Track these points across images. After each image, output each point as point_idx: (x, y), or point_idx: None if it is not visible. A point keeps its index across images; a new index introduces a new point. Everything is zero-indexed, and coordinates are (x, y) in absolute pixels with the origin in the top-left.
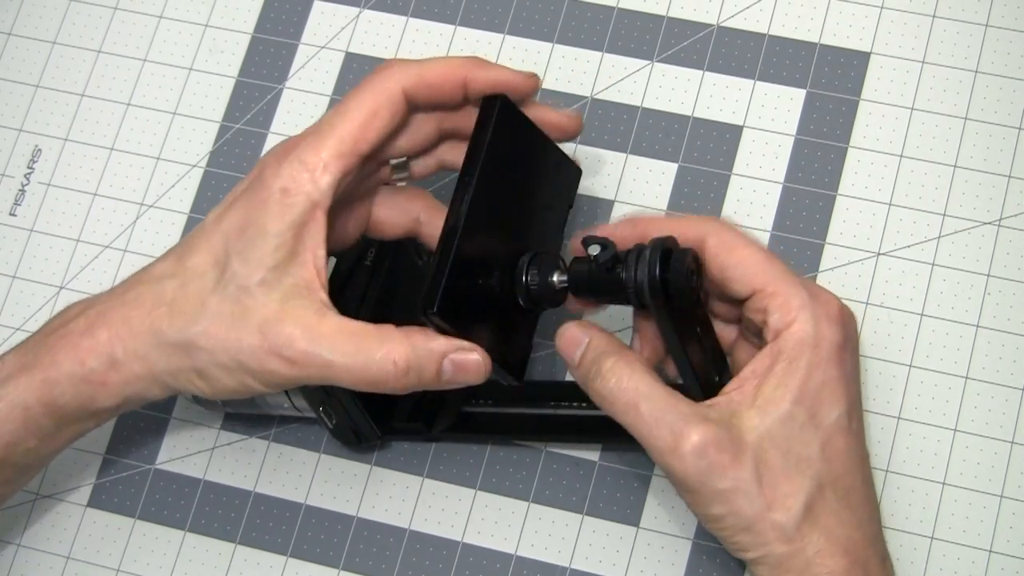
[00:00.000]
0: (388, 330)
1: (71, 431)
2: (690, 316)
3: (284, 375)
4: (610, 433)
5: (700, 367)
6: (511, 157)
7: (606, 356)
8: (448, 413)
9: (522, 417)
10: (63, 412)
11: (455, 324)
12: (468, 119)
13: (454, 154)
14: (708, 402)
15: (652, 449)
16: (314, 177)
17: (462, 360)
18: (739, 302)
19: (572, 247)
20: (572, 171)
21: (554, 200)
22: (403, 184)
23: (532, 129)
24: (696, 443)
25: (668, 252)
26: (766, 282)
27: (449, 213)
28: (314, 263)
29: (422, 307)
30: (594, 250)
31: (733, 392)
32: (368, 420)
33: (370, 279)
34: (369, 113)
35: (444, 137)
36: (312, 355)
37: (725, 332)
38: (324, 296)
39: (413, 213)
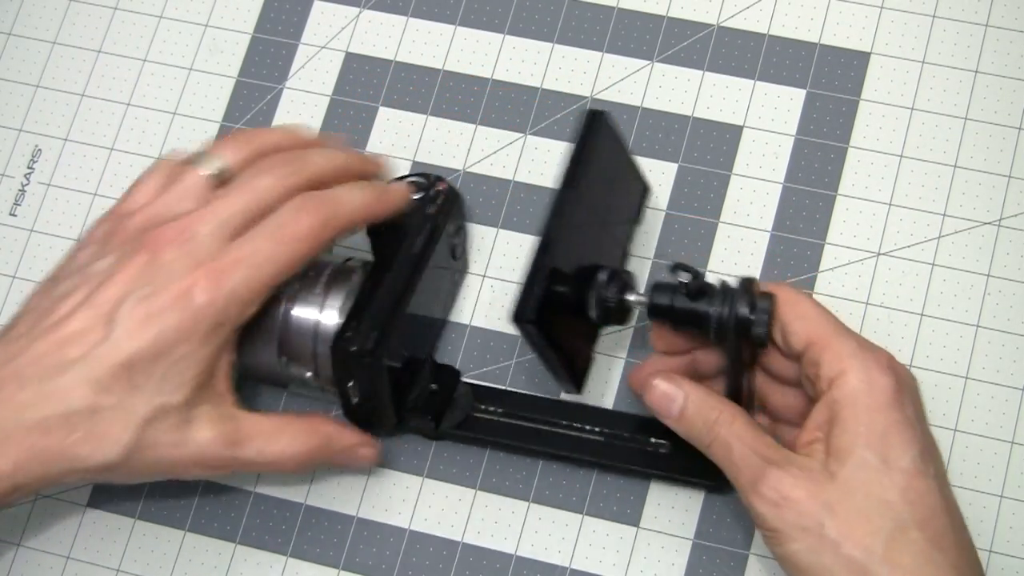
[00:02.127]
0: (297, 423)
1: None
2: (749, 354)
3: (205, 476)
4: (608, 457)
5: (746, 403)
6: (601, 172)
7: (710, 409)
8: (456, 413)
9: (526, 429)
10: None
11: (544, 333)
12: None
13: None
14: (788, 452)
15: (737, 487)
16: (243, 312)
17: (363, 453)
18: (796, 357)
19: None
20: (642, 187)
21: (624, 214)
22: None
23: (620, 145)
24: (773, 482)
25: (753, 294)
26: (820, 335)
27: (545, 224)
28: (225, 375)
29: (517, 317)
30: (684, 277)
31: (806, 445)
32: (391, 405)
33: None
34: (301, 257)
35: None
36: (230, 458)
37: (789, 395)
38: (234, 399)
39: None
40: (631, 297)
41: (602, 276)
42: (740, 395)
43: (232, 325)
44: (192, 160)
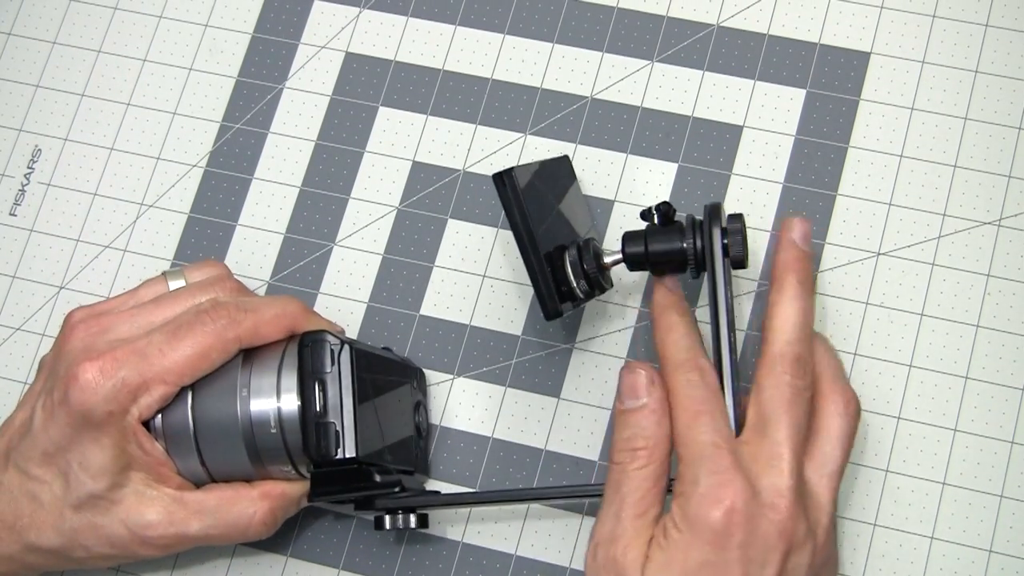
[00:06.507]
0: (245, 492)
1: None
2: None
3: (158, 555)
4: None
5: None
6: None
7: (655, 424)
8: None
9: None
10: None
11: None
12: None
13: None
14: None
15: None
16: (136, 399)
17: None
18: None
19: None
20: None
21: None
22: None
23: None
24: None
25: (720, 218)
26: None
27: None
28: (154, 457)
29: (549, 315)
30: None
31: None
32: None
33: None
34: (200, 355)
35: None
36: (180, 536)
37: None
38: (177, 479)
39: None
40: (607, 259)
41: (572, 253)
42: (720, 330)
43: (128, 416)
44: (166, 275)
